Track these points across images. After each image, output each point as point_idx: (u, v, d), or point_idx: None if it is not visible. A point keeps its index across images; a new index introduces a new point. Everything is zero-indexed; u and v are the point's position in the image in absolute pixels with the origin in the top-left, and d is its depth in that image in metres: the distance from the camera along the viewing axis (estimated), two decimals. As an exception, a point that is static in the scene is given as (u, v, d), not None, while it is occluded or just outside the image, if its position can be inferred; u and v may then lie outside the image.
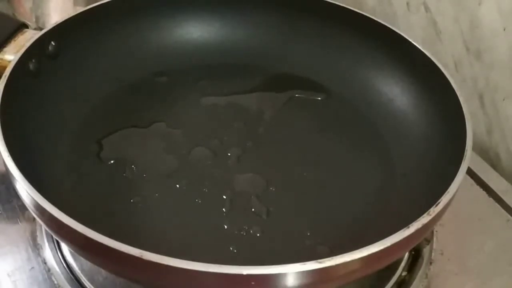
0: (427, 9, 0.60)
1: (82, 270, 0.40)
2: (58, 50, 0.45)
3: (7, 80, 0.39)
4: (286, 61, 0.53)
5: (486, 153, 0.56)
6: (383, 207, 0.41)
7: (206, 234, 0.39)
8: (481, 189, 0.50)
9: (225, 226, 0.39)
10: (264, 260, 0.29)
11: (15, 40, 0.44)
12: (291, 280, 0.29)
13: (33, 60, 0.42)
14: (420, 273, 0.42)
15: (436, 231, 0.44)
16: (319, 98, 0.51)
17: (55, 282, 0.40)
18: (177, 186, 0.42)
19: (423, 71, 0.46)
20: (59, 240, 0.38)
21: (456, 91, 0.42)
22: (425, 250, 0.43)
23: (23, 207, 0.39)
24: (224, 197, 0.41)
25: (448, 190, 0.34)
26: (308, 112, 0.50)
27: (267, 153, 0.45)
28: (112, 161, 0.43)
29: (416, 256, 0.43)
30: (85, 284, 0.39)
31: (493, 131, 0.55)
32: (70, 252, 0.41)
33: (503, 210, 0.48)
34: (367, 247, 0.30)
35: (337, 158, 0.45)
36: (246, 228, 0.39)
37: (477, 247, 0.45)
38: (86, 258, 0.35)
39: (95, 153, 0.43)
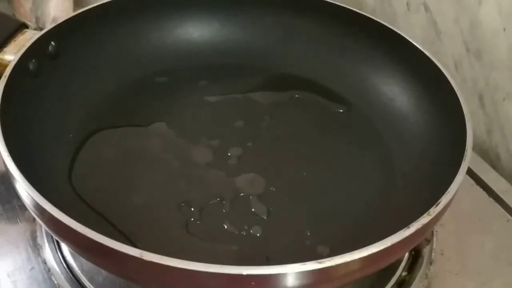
0: (427, 9, 0.60)
1: (82, 270, 0.40)
2: (58, 50, 0.45)
3: (7, 80, 0.39)
4: (286, 61, 0.53)
5: (486, 153, 0.56)
6: (383, 207, 0.41)
7: (206, 234, 0.39)
8: (481, 189, 0.50)
9: (225, 226, 0.39)
10: (264, 260, 0.29)
11: (15, 40, 0.44)
12: (291, 280, 0.29)
13: (33, 60, 0.42)
14: (420, 273, 0.42)
15: (436, 231, 0.44)
16: (319, 98, 0.51)
17: (55, 282, 0.40)
18: (177, 186, 0.42)
19: (423, 71, 0.46)
20: (59, 240, 0.38)
21: (456, 91, 0.42)
22: (425, 250, 0.43)
23: (23, 207, 0.39)
24: (224, 197, 0.41)
25: (448, 190, 0.34)
26: (308, 112, 0.50)
27: (267, 153, 0.45)
28: (112, 161, 0.43)
29: (416, 256, 0.43)
30: (85, 284, 0.40)
31: (493, 131, 0.55)
32: (70, 252, 0.41)
33: (503, 210, 0.48)
34: (367, 247, 0.30)
35: (337, 158, 0.45)
36: (246, 228, 0.39)
37: (477, 247, 0.45)
38: (86, 258, 0.35)
39: (95, 153, 0.43)
